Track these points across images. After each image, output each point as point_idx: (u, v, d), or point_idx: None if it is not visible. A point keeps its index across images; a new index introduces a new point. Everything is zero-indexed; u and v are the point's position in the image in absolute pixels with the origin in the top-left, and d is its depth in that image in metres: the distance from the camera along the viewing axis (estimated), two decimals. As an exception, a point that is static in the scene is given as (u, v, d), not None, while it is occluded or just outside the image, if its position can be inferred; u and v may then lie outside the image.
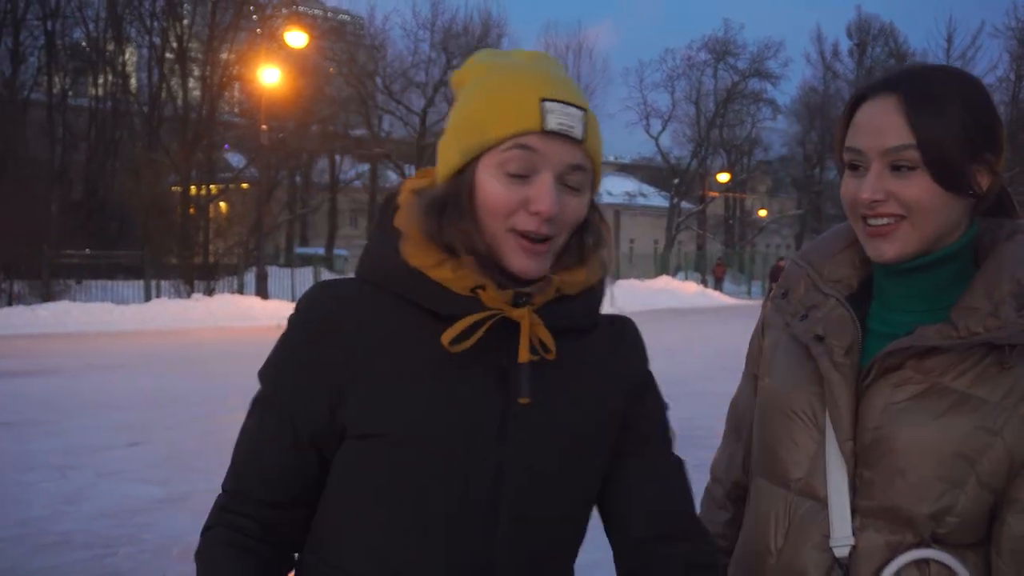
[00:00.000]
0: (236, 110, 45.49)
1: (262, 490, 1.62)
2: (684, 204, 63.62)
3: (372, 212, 52.26)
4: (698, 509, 1.79)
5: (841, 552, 1.66)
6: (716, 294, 45.24)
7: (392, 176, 48.72)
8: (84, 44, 43.60)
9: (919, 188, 1.62)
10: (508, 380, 1.57)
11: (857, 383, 1.68)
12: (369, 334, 1.57)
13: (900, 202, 1.63)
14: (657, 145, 62.17)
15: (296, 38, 34.80)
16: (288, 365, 1.62)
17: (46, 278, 29.17)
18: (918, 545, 1.63)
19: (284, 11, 43.07)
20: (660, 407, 1.75)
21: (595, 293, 1.67)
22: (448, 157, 1.59)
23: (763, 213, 69.40)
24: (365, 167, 50.89)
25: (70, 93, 45.32)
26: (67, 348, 18.79)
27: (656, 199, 70.03)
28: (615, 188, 71.88)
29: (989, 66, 68.30)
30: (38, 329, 23.36)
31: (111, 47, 43.39)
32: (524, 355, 1.54)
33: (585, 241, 1.64)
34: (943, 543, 1.63)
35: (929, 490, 1.61)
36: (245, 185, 42.50)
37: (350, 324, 1.58)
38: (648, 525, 1.68)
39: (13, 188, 35.18)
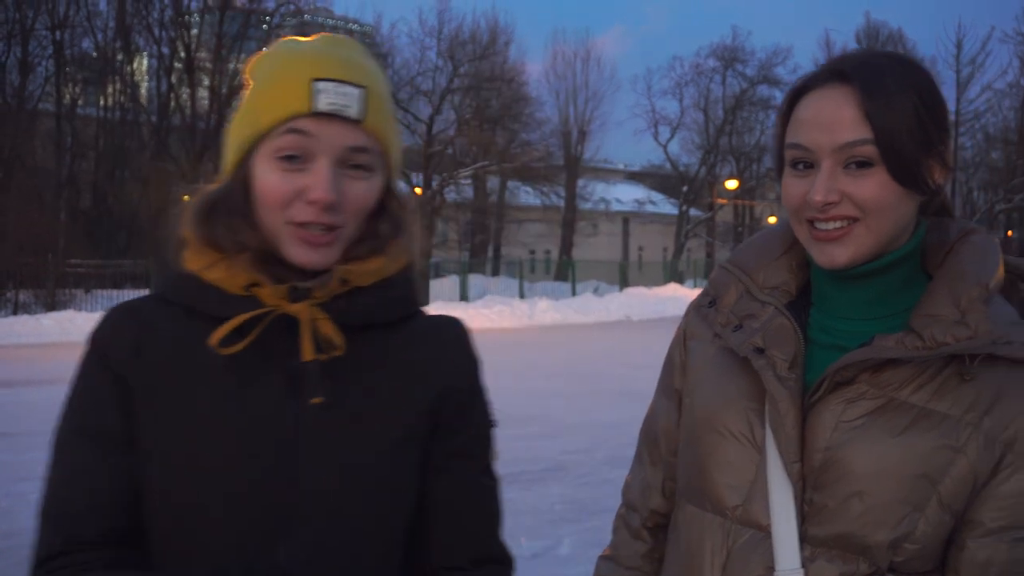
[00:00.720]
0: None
1: (93, 523, 1.46)
2: (693, 211, 63.37)
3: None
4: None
5: None
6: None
7: (401, 184, 48.63)
8: (93, 54, 43.62)
9: (876, 186, 1.51)
10: (300, 381, 1.47)
11: (803, 399, 1.55)
12: (152, 352, 1.49)
13: (855, 203, 1.51)
14: (666, 152, 62.09)
15: (302, 47, 34.81)
16: (81, 398, 1.52)
17: (51, 287, 29.12)
18: (873, 575, 1.51)
19: (292, 20, 43.07)
20: (479, 422, 1.63)
21: (396, 284, 1.57)
22: (227, 153, 1.51)
23: (773, 220, 69.08)
24: (374, 175, 50.79)
25: (80, 103, 45.38)
26: (71, 357, 18.61)
27: (665, 206, 69.86)
28: (624, 195, 71.71)
29: (999, 72, 67.97)
30: (43, 338, 23.33)
31: (120, 57, 43.40)
32: (307, 353, 1.46)
33: (379, 229, 1.53)
34: (897, 572, 1.51)
35: (889, 515, 1.49)
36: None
37: (132, 346, 1.50)
38: (444, 552, 1.59)
39: (21, 197, 35.22)
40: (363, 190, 1.49)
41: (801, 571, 1.51)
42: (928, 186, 1.54)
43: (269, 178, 1.47)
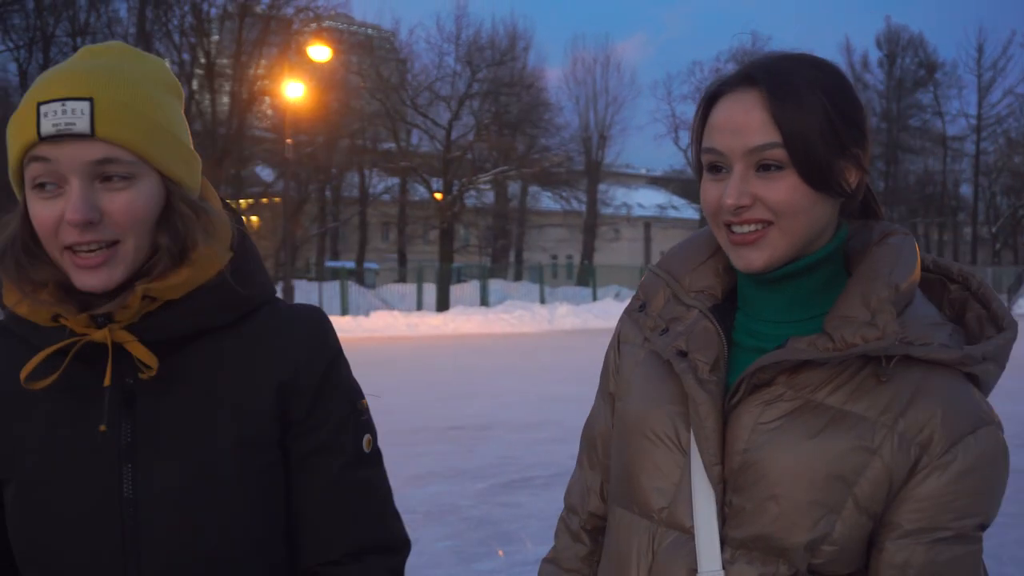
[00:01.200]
0: (266, 124, 45.74)
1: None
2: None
3: (401, 225, 52.42)
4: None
5: None
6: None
7: (420, 190, 48.83)
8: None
9: (787, 189, 1.49)
10: (127, 406, 1.46)
11: (724, 401, 1.54)
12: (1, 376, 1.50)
13: (767, 206, 1.51)
14: (686, 157, 61.86)
15: (319, 52, 34.95)
16: None
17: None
18: None
19: (312, 26, 43.28)
20: (338, 414, 1.59)
21: (212, 290, 1.52)
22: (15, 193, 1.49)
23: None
24: (394, 181, 51.05)
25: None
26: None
27: (687, 211, 69.85)
28: (646, 200, 71.78)
29: (1021, 76, 67.64)
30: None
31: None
32: (107, 378, 1.43)
33: (160, 242, 1.48)
34: (818, 573, 1.50)
35: (804, 517, 1.48)
36: (277, 199, 42.67)
37: None
38: (316, 550, 1.58)
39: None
40: (126, 201, 1.44)
41: (722, 573, 1.51)
42: (841, 188, 1.53)
43: (34, 209, 1.44)
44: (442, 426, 11.41)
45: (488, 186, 46.61)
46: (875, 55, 66.00)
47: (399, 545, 1.67)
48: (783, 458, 1.49)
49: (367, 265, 52.67)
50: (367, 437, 1.64)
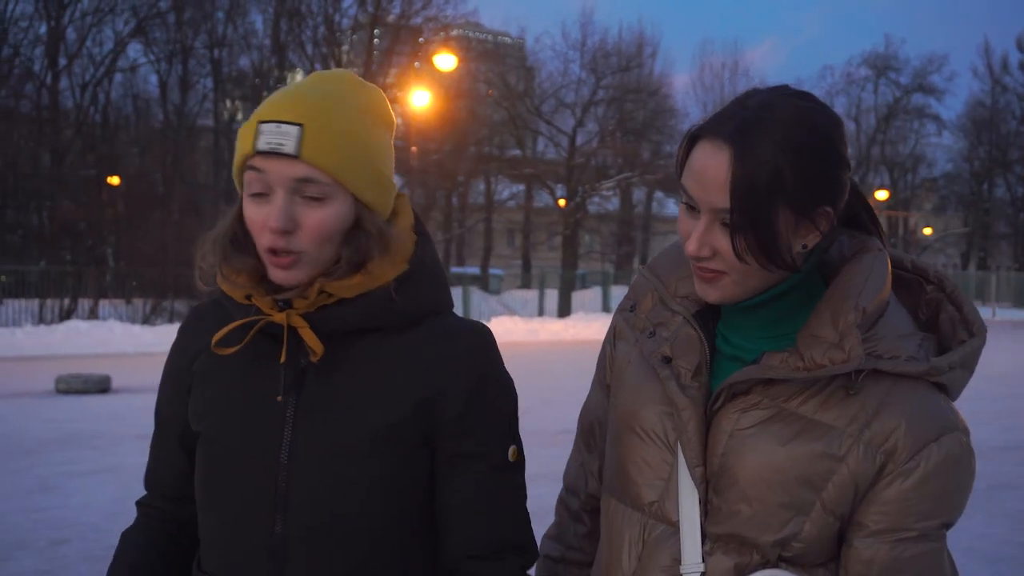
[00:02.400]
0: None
1: (158, 487, 1.88)
2: (844, 222, 62.17)
3: (526, 232, 52.66)
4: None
5: None
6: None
7: (545, 196, 48.99)
8: (250, 71, 45.08)
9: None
10: (297, 382, 1.72)
11: (706, 406, 1.64)
12: (203, 343, 1.78)
13: (723, 259, 1.57)
14: (814, 163, 60.94)
15: (445, 61, 35.36)
16: (160, 386, 1.87)
17: (202, 297, 30.30)
18: (764, 565, 1.61)
19: (441, 35, 43.76)
20: (488, 424, 1.77)
21: (379, 296, 1.71)
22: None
23: (928, 231, 67.34)
24: (520, 187, 51.28)
25: (239, 117, 46.99)
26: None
27: (816, 217, 68.60)
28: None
29: None
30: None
31: (275, 74, 44.74)
32: (282, 355, 1.68)
33: (343, 253, 1.70)
34: (791, 563, 1.61)
35: (773, 518, 1.58)
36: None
37: (196, 335, 1.81)
38: (460, 543, 1.76)
39: (182, 211, 36.75)
40: (318, 217, 1.66)
41: (702, 565, 1.63)
42: (786, 260, 1.56)
43: (247, 210, 1.69)
44: (553, 430, 11.57)
45: (612, 192, 46.51)
46: (1015, 57, 64.11)
47: (532, 547, 1.82)
48: (756, 463, 1.58)
49: (492, 271, 53.01)
50: (513, 447, 1.79)
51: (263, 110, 1.68)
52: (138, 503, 1.93)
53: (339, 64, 42.18)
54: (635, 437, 1.73)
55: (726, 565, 1.62)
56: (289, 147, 1.62)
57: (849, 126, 60.21)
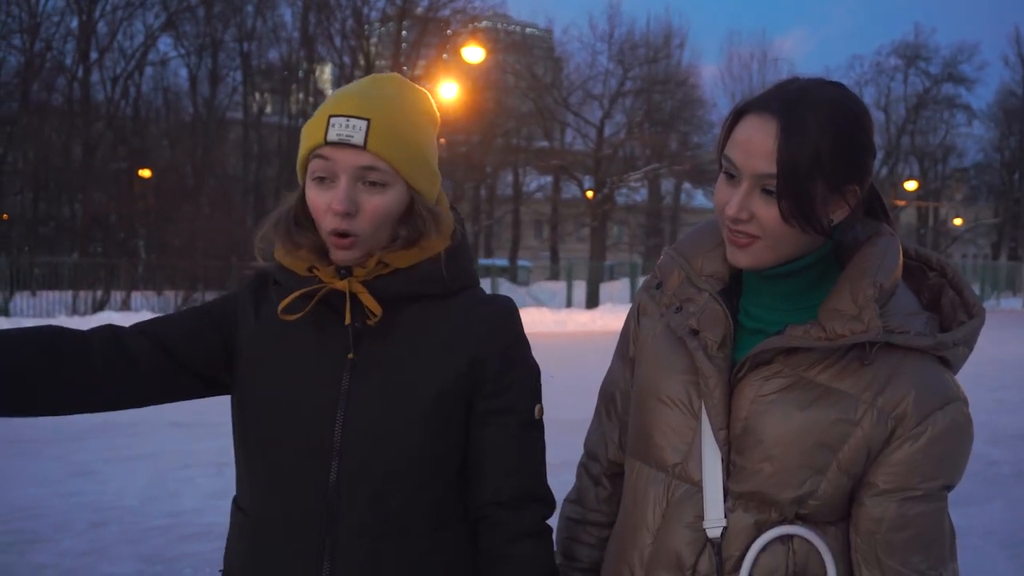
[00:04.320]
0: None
1: (153, 326, 2.00)
2: (873, 213, 61.78)
3: (554, 223, 52.70)
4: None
5: (714, 533, 1.77)
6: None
7: (573, 187, 49.03)
8: (278, 64, 45.32)
9: (776, 215, 1.70)
10: (356, 341, 1.90)
11: (730, 375, 1.78)
12: (255, 309, 1.97)
13: (760, 224, 1.71)
14: (843, 153, 60.59)
15: (473, 53, 35.42)
16: (218, 300, 2.06)
17: (232, 288, 30.54)
18: (782, 522, 1.75)
19: (469, 27, 43.82)
20: (518, 384, 1.96)
21: (429, 267, 1.93)
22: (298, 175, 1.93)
23: (959, 222, 66.96)
24: (547, 179, 51.33)
25: (267, 110, 47.27)
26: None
27: (845, 208, 68.21)
28: (803, 197, 70.31)
29: None
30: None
31: (303, 66, 44.99)
32: (347, 318, 1.87)
33: (400, 233, 1.91)
34: (806, 520, 1.75)
35: (793, 477, 1.73)
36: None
37: (245, 302, 1.99)
38: (488, 491, 1.93)
39: (212, 203, 37.04)
40: (378, 201, 1.87)
41: (724, 520, 1.77)
42: (822, 225, 1.71)
43: (311, 194, 1.90)
44: (577, 419, 11.67)
45: (640, 183, 46.48)
46: (1046, 47, 63.55)
47: (551, 500, 2.01)
48: (777, 426, 1.73)
49: (520, 262, 53.09)
50: (538, 406, 1.99)
51: (332, 106, 1.88)
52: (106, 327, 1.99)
53: (367, 57, 42.35)
54: (660, 404, 1.88)
55: (747, 522, 1.76)
56: (358, 139, 1.84)
57: (878, 116, 59.89)
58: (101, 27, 41.34)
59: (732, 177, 1.75)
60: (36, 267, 31.77)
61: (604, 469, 2.09)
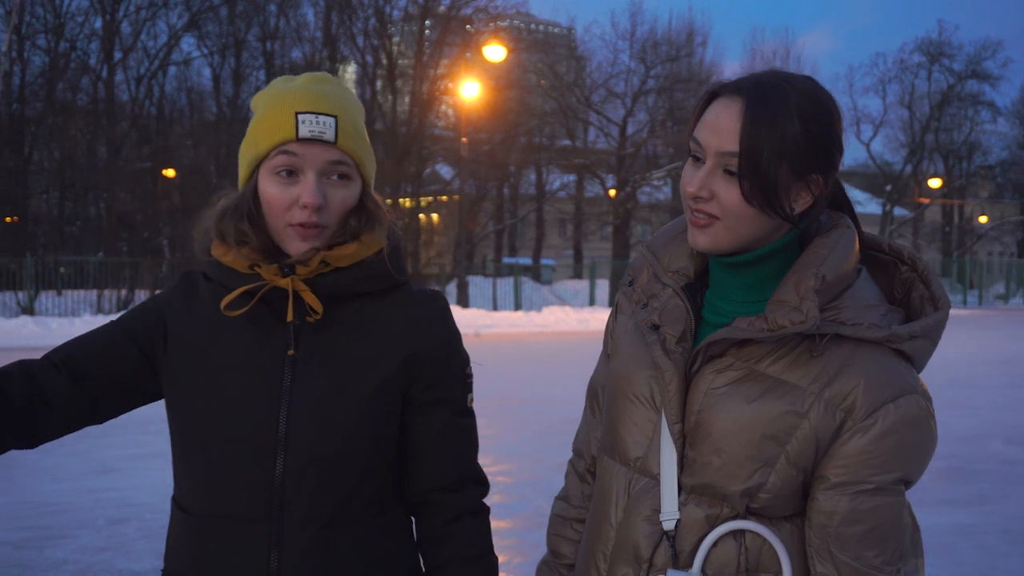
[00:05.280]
0: (443, 124, 46.54)
1: (62, 354, 1.98)
2: (898, 211, 61.61)
3: (577, 222, 52.70)
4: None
5: (668, 525, 1.77)
6: (928, 304, 43.54)
7: (596, 186, 48.99)
8: (302, 63, 45.46)
9: (737, 196, 1.70)
10: (296, 337, 1.93)
11: (687, 369, 1.79)
12: (190, 310, 2.00)
13: (720, 204, 1.72)
14: (868, 151, 60.49)
15: (494, 52, 35.44)
16: (136, 308, 2.07)
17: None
18: (734, 517, 1.74)
19: (491, 26, 43.83)
20: (454, 375, 2.03)
21: (370, 264, 1.97)
22: (240, 171, 1.97)
23: (984, 219, 66.58)
24: (571, 177, 51.34)
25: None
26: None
27: (870, 206, 68.00)
28: (827, 195, 70.06)
29: None
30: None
31: (326, 66, 45.13)
32: (290, 315, 1.91)
33: (350, 223, 1.95)
34: (759, 515, 1.75)
35: (741, 469, 1.72)
36: (456, 197, 43.53)
37: (178, 301, 2.02)
38: (430, 477, 2.01)
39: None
40: (344, 194, 1.93)
41: (677, 513, 1.77)
42: (782, 210, 1.71)
43: (271, 190, 1.91)
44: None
45: (663, 182, 46.40)
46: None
47: (486, 481, 2.08)
48: (726, 418, 1.72)
49: (543, 261, 53.12)
50: (470, 396, 2.06)
51: (297, 101, 1.91)
52: (9, 365, 1.97)
53: (389, 56, 42.46)
54: (626, 400, 1.89)
55: (698, 515, 1.77)
56: (329, 135, 1.90)
57: (902, 114, 59.76)
58: (125, 27, 41.69)
59: (698, 160, 1.75)
60: (61, 266, 32.01)
61: (588, 465, 2.10)
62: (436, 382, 2.01)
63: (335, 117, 1.91)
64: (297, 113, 1.89)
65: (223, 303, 1.90)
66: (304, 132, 1.88)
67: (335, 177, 1.92)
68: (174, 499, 2.00)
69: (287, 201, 1.89)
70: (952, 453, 9.93)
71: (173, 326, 1.99)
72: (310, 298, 1.90)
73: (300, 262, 1.91)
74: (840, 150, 1.76)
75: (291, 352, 1.92)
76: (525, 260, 52.85)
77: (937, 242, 64.96)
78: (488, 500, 2.08)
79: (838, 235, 1.77)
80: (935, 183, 58.23)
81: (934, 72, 60.02)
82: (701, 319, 1.86)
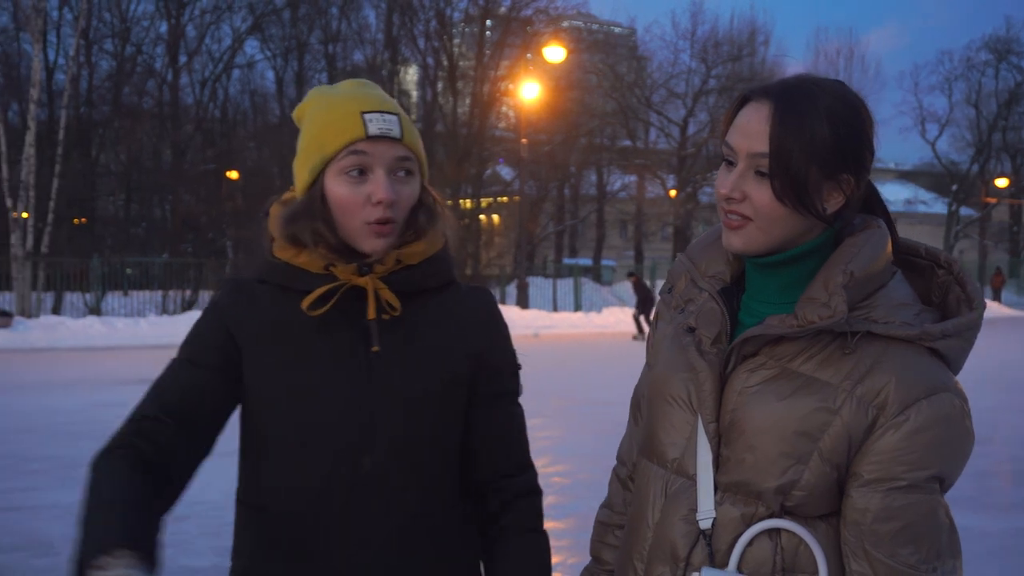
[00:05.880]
0: (503, 125, 46.63)
1: (173, 405, 1.91)
2: (964, 211, 60.77)
3: (638, 223, 52.55)
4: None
5: (705, 524, 1.79)
6: (995, 305, 43.07)
7: (657, 186, 48.80)
8: (363, 66, 45.77)
9: (769, 196, 1.73)
10: (367, 334, 1.95)
11: (722, 370, 1.82)
12: (254, 316, 1.99)
13: (752, 205, 1.75)
14: (934, 150, 59.73)
15: (554, 53, 35.43)
16: (195, 333, 2.02)
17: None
18: (769, 516, 1.76)
19: (552, 26, 43.85)
20: (511, 368, 2.11)
21: (437, 260, 2.04)
22: (300, 175, 1.98)
23: (1054, 219, 65.44)
24: (631, 178, 51.22)
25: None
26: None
27: (936, 206, 67.13)
28: (892, 195, 69.38)
29: None
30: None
31: (387, 68, 45.41)
32: (371, 313, 1.94)
33: (419, 218, 1.99)
34: (793, 515, 1.76)
35: (774, 466, 1.74)
36: (516, 198, 43.61)
37: (239, 308, 2.00)
38: (495, 465, 2.08)
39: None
40: (410, 189, 1.97)
41: (713, 512, 1.79)
42: (815, 209, 1.74)
43: (341, 189, 1.93)
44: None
45: (724, 182, 46.00)
46: None
47: (533, 465, 2.17)
48: (759, 416, 1.75)
49: (604, 262, 53.08)
50: (521, 386, 2.14)
51: (359, 103, 1.95)
52: (118, 438, 1.88)
53: (450, 58, 42.63)
54: (664, 402, 1.92)
55: (734, 514, 1.78)
56: (396, 132, 1.94)
57: (969, 112, 58.88)
58: (189, 31, 42.28)
59: (731, 164, 1.78)
60: (128, 267, 32.49)
61: (629, 472, 2.12)
62: (498, 374, 2.08)
63: (397, 115, 1.96)
64: (363, 113, 1.93)
65: (306, 302, 1.91)
66: (373, 130, 1.92)
67: (401, 173, 1.95)
68: (244, 500, 2.01)
69: (360, 200, 1.92)
70: None
71: (242, 335, 1.98)
72: (388, 295, 1.94)
73: (378, 261, 1.95)
74: (871, 151, 1.79)
75: (375, 348, 1.95)
76: (585, 261, 52.83)
77: (1005, 242, 63.94)
78: (544, 501, 2.12)
79: (868, 234, 1.79)
80: (1002, 182, 57.35)
81: (1001, 70, 59.09)
82: (737, 323, 1.89)
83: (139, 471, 1.81)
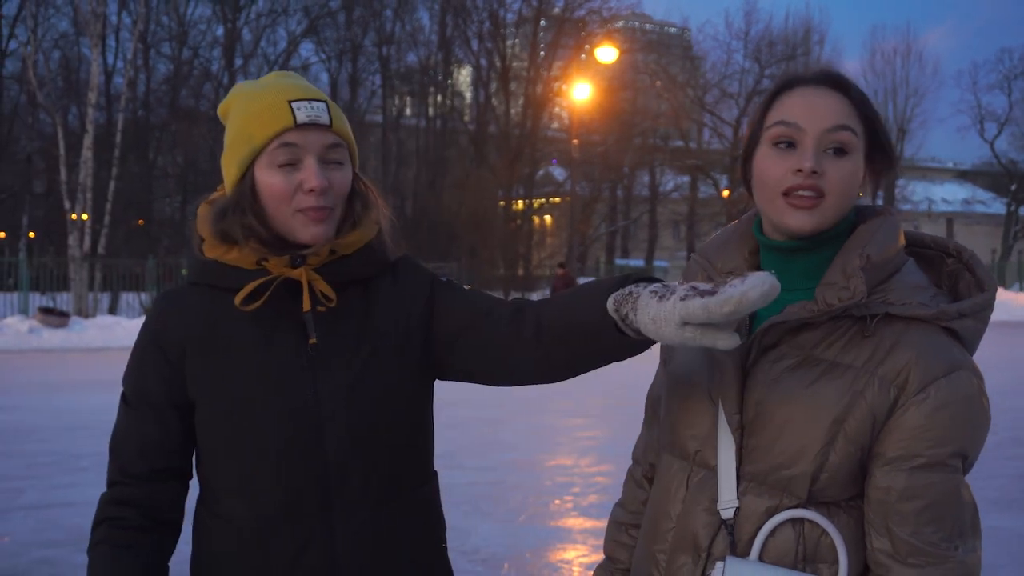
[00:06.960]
0: (555, 125, 46.62)
1: (139, 463, 1.97)
2: (1023, 210, 59.92)
3: (691, 223, 52.33)
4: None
5: (727, 514, 1.81)
6: (1054, 307, 42.31)
7: (709, 187, 48.58)
8: (417, 68, 45.96)
9: (847, 172, 1.77)
10: (305, 329, 1.94)
11: (744, 361, 1.84)
12: (183, 326, 1.97)
13: (828, 181, 1.77)
14: (992, 149, 58.93)
15: (606, 53, 35.36)
16: (135, 365, 2.02)
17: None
18: (793, 507, 1.77)
19: (605, 27, 43.79)
20: (458, 295, 2.05)
21: (373, 249, 2.00)
22: (229, 171, 1.96)
23: (1115, 219, 64.32)
24: (684, 179, 51.03)
25: (406, 113, 47.98)
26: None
27: (995, 205, 66.21)
28: (949, 195, 68.56)
29: None
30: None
31: (441, 69, 45.56)
32: (307, 305, 1.92)
33: (355, 207, 1.99)
34: (816, 502, 1.77)
35: (801, 452, 1.75)
36: (568, 198, 43.58)
37: (168, 321, 1.99)
38: (504, 328, 1.98)
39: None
40: (342, 176, 1.93)
41: (736, 502, 1.80)
42: (878, 177, 1.86)
43: (272, 179, 1.90)
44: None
45: (778, 183, 45.76)
46: None
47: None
48: (784, 404, 1.77)
49: (656, 263, 52.86)
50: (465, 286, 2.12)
51: (285, 92, 1.93)
52: (103, 512, 1.97)
53: (504, 59, 42.69)
54: (684, 397, 1.93)
55: (757, 504, 1.80)
56: (325, 119, 1.91)
57: (1030, 110, 57.81)
58: (245, 34, 42.70)
59: (787, 145, 1.80)
60: (183, 268, 32.78)
61: (644, 472, 2.15)
62: (453, 307, 2.02)
63: (325, 102, 1.93)
64: (290, 101, 1.90)
65: (238, 298, 1.89)
66: (302, 117, 1.89)
67: (332, 161, 1.92)
68: (207, 510, 1.98)
69: (291, 188, 1.89)
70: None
71: (175, 351, 1.97)
72: (323, 286, 1.92)
73: (313, 252, 1.92)
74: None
75: (313, 340, 1.93)
76: (637, 262, 52.66)
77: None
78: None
79: (881, 220, 1.84)
80: (1062, 182, 56.37)
81: (1062, 67, 58.16)
82: (756, 315, 1.90)
83: (132, 547, 1.94)
